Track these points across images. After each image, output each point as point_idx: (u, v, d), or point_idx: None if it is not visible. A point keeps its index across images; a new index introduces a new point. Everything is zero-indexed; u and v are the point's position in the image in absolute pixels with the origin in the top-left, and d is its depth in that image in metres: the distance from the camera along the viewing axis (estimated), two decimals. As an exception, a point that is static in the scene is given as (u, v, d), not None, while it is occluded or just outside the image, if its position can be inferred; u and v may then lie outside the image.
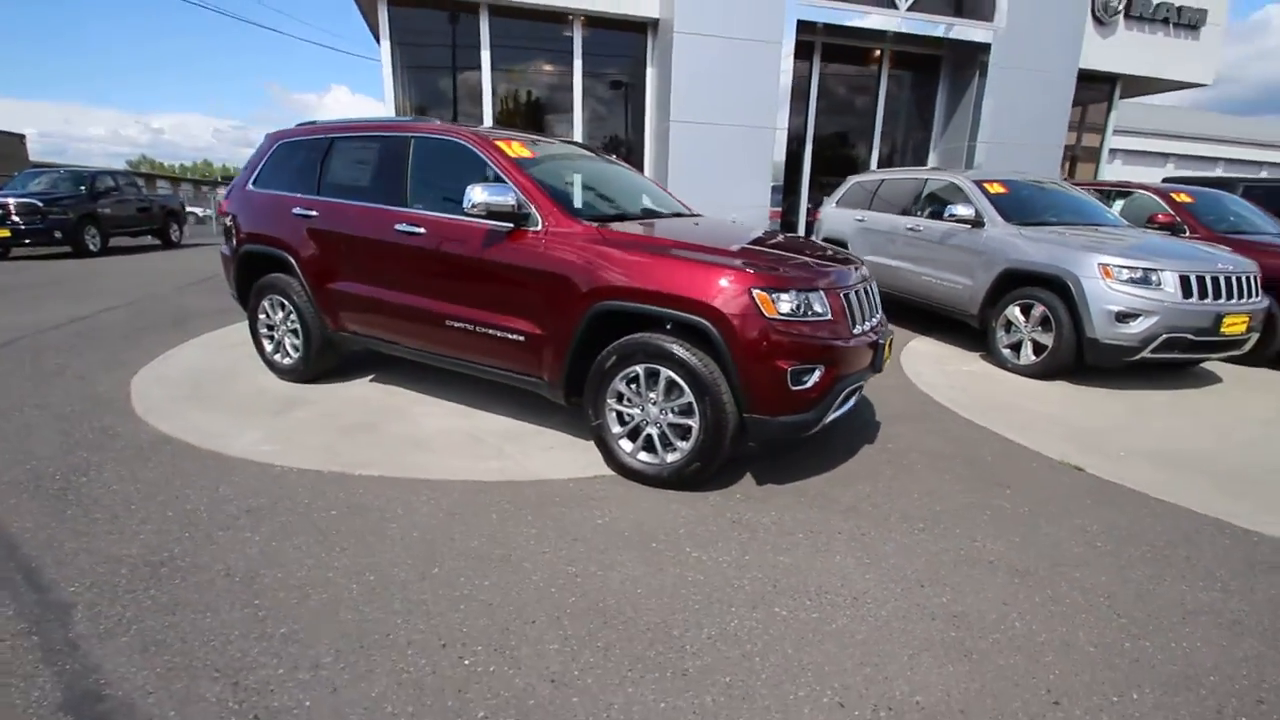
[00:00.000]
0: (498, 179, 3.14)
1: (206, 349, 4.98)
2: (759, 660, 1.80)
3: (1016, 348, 4.99)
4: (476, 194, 2.90)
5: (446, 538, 2.39)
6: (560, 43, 8.76)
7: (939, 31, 9.22)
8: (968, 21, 9.25)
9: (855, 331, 2.81)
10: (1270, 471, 3.25)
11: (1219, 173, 12.21)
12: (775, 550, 2.35)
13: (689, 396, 2.67)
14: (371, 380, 4.23)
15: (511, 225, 3.04)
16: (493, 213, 2.98)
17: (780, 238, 3.53)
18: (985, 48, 9.38)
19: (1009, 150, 9.64)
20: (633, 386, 2.82)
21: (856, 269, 3.08)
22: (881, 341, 2.98)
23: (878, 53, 9.95)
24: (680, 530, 2.48)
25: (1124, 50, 10.73)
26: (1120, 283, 4.43)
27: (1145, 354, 4.41)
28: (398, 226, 3.37)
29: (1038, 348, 4.85)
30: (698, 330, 2.62)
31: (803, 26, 8.67)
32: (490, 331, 3.15)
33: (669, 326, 2.74)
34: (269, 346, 4.23)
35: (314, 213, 3.75)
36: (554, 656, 1.79)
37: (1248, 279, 4.59)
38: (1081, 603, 2.11)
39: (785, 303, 2.57)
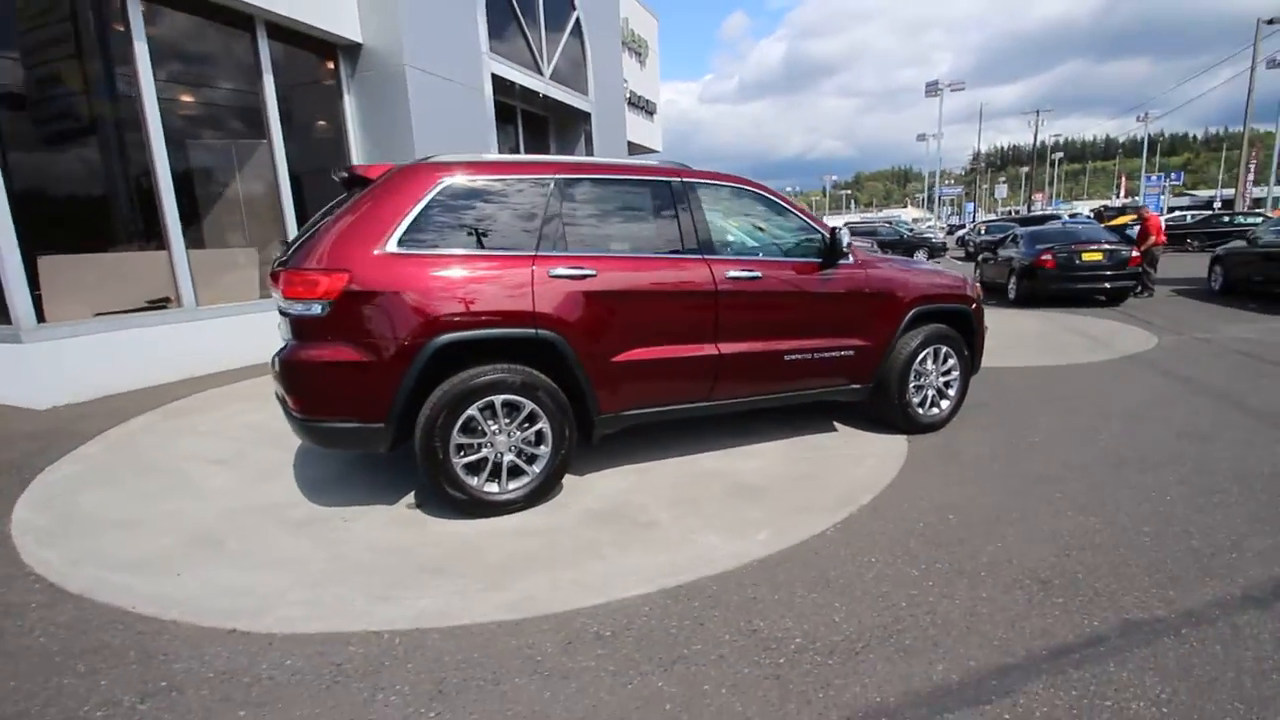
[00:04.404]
0: (807, 222, 3.57)
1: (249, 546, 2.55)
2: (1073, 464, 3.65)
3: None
4: (846, 235, 3.41)
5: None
6: (246, 52, 6.51)
7: (561, 97, 11.26)
8: (577, 94, 11.64)
9: None
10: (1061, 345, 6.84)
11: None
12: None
13: (955, 360, 4.05)
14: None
15: (822, 259, 3.57)
16: (817, 249, 3.53)
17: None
18: (588, 115, 12.02)
19: (614, 193, 12.66)
20: (924, 364, 3.94)
21: None
22: None
23: (517, 107, 11.22)
24: (1028, 444, 3.94)
25: (632, 125, 15.36)
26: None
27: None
28: (731, 274, 3.23)
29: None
30: (956, 315, 4.03)
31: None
32: (828, 354, 3.59)
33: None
34: (471, 478, 2.85)
35: (587, 271, 2.93)
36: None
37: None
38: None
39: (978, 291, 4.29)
